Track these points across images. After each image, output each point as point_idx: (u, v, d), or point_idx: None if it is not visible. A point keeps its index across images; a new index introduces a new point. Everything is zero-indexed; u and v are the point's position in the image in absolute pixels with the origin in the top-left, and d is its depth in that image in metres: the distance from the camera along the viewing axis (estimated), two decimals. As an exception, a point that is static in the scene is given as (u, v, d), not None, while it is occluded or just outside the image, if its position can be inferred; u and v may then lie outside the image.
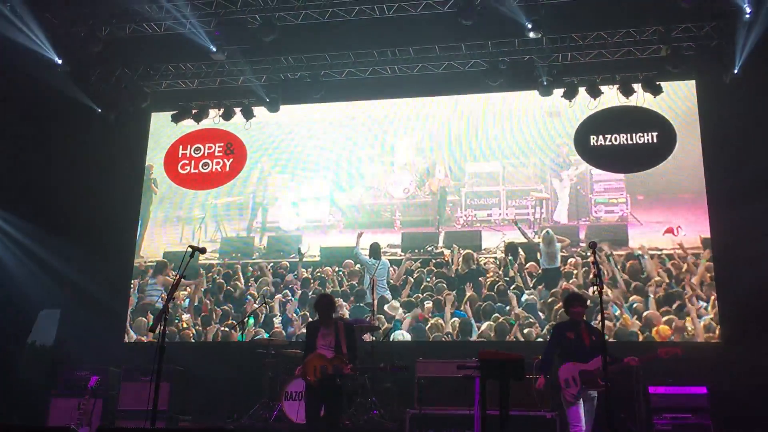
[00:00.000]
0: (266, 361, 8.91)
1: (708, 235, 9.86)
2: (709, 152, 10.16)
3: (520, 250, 10.36)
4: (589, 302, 7.06)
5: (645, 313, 9.70)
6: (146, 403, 5.49)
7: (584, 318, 6.68)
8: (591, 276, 5.90)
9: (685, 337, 9.45)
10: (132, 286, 11.25)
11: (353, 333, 7.19)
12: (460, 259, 10.44)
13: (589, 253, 6.37)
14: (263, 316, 10.62)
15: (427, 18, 9.84)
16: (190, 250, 5.96)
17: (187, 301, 11.05)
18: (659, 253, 10.00)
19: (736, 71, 9.77)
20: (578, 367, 6.40)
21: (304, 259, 10.92)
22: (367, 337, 8.99)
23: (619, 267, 9.99)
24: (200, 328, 10.85)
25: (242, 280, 11.03)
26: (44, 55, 10.06)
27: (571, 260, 10.15)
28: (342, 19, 9.91)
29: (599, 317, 6.00)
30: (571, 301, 6.68)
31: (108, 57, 10.69)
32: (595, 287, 5.70)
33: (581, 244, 10.19)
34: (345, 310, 10.34)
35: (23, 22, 9.55)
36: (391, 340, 9.64)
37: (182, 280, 5.94)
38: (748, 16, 9.01)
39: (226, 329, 10.59)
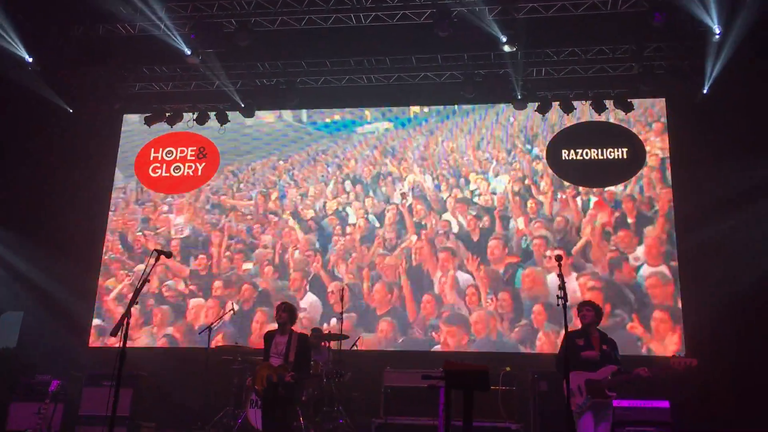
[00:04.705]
0: (232, 368, 8.82)
1: (675, 252, 9.99)
2: (677, 170, 10.32)
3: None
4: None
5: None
6: (107, 409, 5.39)
7: (596, 324, 6.61)
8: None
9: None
10: (98, 290, 11.09)
11: (306, 344, 7.24)
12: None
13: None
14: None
15: (404, 28, 9.83)
16: (155, 253, 5.91)
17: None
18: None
19: (705, 90, 9.96)
20: (585, 376, 6.29)
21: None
22: (333, 345, 8.93)
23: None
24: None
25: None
26: (14, 53, 9.87)
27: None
28: (319, 27, 9.88)
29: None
30: (581, 306, 6.65)
31: (80, 57, 10.48)
32: (560, 299, 5.72)
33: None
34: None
35: (-7, 18, 9.40)
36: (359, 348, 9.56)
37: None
38: (717, 36, 9.16)
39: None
